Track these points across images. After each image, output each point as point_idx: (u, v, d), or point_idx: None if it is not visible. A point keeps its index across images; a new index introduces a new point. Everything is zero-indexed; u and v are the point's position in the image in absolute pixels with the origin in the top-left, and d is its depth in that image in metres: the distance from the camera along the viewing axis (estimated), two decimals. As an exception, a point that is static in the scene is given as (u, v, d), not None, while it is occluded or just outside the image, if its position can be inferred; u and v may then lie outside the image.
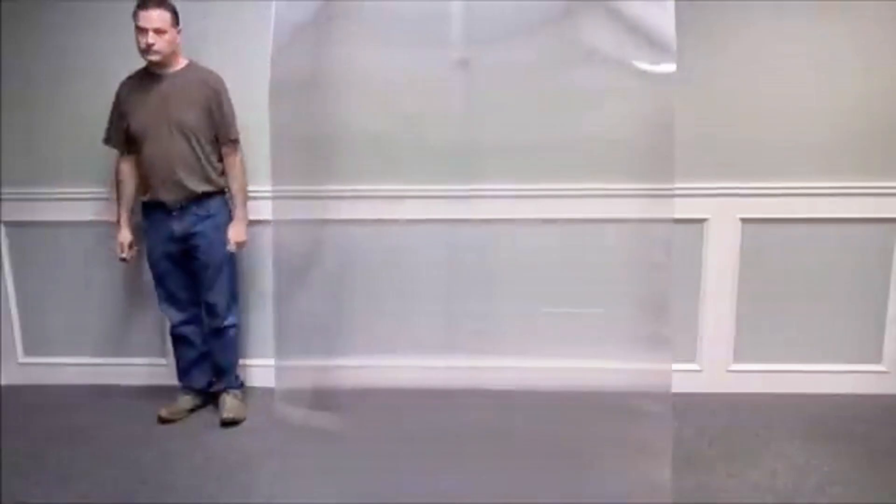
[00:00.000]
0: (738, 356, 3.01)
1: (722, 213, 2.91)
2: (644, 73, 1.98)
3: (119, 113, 2.72)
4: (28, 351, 3.26)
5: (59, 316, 3.20)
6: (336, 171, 2.83)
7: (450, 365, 2.84)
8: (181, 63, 2.71)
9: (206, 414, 2.90)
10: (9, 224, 3.14)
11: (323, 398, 2.65)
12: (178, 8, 2.65)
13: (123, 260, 2.84)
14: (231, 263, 2.84)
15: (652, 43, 1.93)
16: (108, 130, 2.76)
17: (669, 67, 1.89)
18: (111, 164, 2.89)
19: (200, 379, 2.94)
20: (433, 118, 2.72)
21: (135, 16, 2.57)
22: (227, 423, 2.78)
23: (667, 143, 2.02)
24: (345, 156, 2.82)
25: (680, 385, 2.22)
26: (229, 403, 2.85)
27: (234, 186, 2.77)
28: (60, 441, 2.67)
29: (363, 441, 2.35)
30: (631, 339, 2.24)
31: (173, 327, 2.89)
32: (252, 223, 2.88)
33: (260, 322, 3.10)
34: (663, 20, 1.85)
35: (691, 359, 3.02)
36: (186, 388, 2.93)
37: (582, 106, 2.57)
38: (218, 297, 2.80)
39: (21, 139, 3.05)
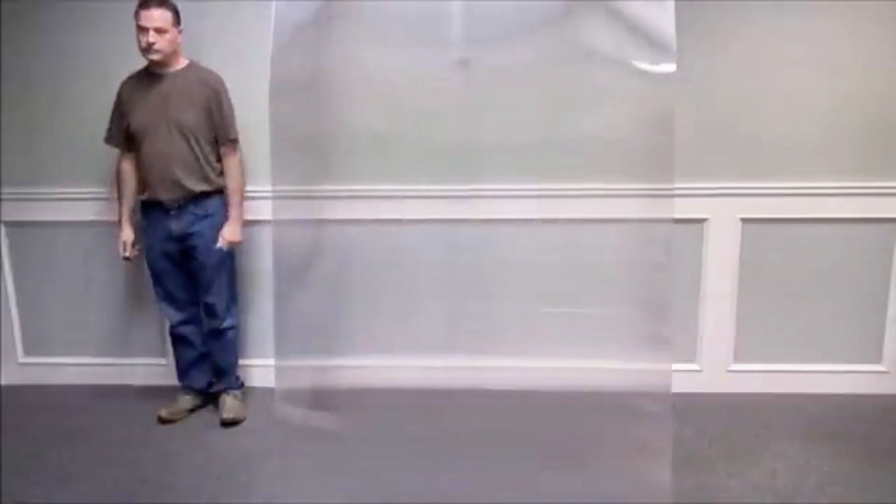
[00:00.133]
0: (738, 356, 3.01)
1: (722, 213, 2.90)
2: (644, 73, 1.98)
3: (120, 112, 2.72)
4: (28, 351, 3.26)
5: (59, 316, 3.20)
6: (336, 171, 2.83)
7: (450, 365, 2.84)
8: (182, 63, 2.71)
9: (206, 414, 2.90)
10: (9, 224, 3.14)
11: (323, 398, 2.65)
12: (179, 8, 2.65)
13: (126, 259, 2.84)
14: (230, 264, 2.84)
15: (652, 43, 1.93)
16: (110, 129, 2.76)
17: (669, 67, 1.89)
18: (111, 164, 2.89)
19: (200, 379, 2.94)
20: (433, 118, 2.73)
21: (136, 15, 2.58)
22: (227, 424, 2.78)
23: (667, 143, 2.02)
24: (345, 156, 2.82)
25: (680, 385, 2.21)
26: (229, 404, 2.85)
27: (231, 186, 2.76)
28: (60, 441, 2.67)
29: (363, 441, 2.35)
30: (631, 339, 2.23)
31: (172, 327, 2.89)
32: (252, 223, 2.88)
33: (260, 322, 3.10)
34: (663, 20, 1.85)
35: (691, 359, 3.02)
36: (186, 388, 2.93)
37: (582, 106, 2.57)
38: (216, 297, 2.80)
39: (21, 139, 3.05)
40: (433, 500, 2.06)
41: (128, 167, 2.78)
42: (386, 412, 2.69)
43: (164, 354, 3.15)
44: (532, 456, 2.24)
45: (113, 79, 2.76)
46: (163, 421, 2.81)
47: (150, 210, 2.77)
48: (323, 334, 2.86)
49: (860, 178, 2.84)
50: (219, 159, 2.76)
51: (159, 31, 2.57)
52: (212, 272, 2.77)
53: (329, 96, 2.65)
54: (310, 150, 2.63)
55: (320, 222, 2.79)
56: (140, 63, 2.69)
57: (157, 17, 2.57)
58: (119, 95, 2.72)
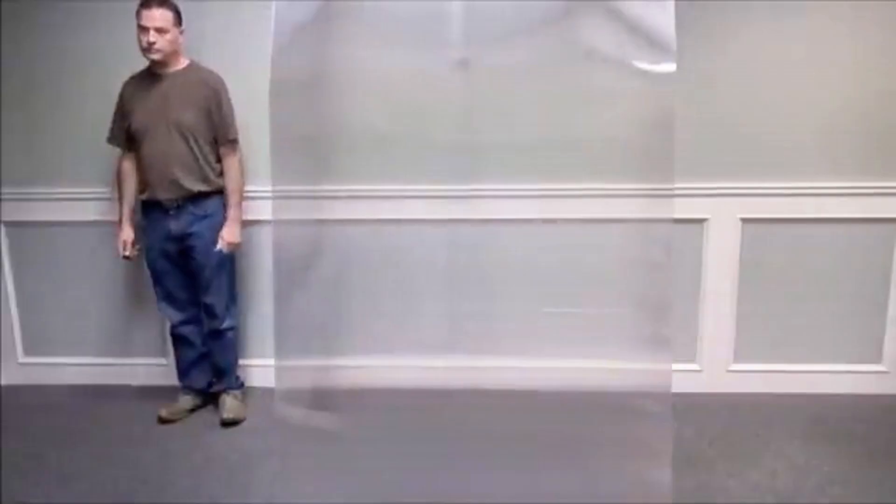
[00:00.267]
0: (738, 356, 3.01)
1: (722, 213, 2.91)
2: (644, 73, 1.98)
3: (122, 112, 2.73)
4: (28, 351, 3.26)
5: (59, 316, 3.20)
6: (336, 171, 2.83)
7: (450, 365, 2.83)
8: (182, 63, 2.71)
9: (206, 414, 2.90)
10: (9, 224, 3.14)
11: (323, 398, 2.65)
12: (180, 8, 2.65)
13: (126, 258, 2.84)
14: (230, 265, 2.84)
15: (652, 43, 1.92)
16: (112, 129, 2.77)
17: (669, 67, 1.88)
18: (111, 163, 2.89)
19: (200, 379, 2.94)
20: (433, 118, 2.73)
21: (137, 14, 2.58)
22: (227, 424, 2.78)
23: (667, 143, 2.02)
24: (345, 156, 2.82)
25: (680, 385, 2.21)
26: (229, 404, 2.85)
27: (230, 186, 2.76)
28: (60, 441, 2.67)
29: (363, 441, 2.35)
30: (631, 339, 2.23)
31: (173, 327, 2.89)
32: (252, 223, 2.88)
33: (259, 322, 3.10)
34: (663, 20, 1.85)
35: (691, 359, 3.02)
36: (186, 388, 2.93)
37: (582, 106, 2.57)
38: (215, 298, 2.80)
39: (21, 139, 3.05)
40: (433, 500, 2.06)
41: (128, 167, 2.78)
42: (386, 412, 2.69)
43: (164, 354, 3.15)
44: (532, 456, 2.23)
45: (113, 79, 2.76)
46: (163, 421, 2.81)
47: (149, 210, 2.77)
48: (323, 334, 2.86)
49: (860, 178, 2.84)
50: (218, 159, 2.76)
51: (160, 30, 2.58)
52: (211, 272, 2.77)
53: (329, 96, 2.65)
54: (310, 150, 2.63)
55: (320, 222, 2.79)
56: (140, 63, 2.69)
57: (158, 16, 2.57)
58: (121, 95, 2.73)
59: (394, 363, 2.94)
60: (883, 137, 2.81)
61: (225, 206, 2.78)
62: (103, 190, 3.02)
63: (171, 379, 2.99)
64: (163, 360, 3.16)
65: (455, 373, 2.80)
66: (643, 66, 1.99)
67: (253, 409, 2.90)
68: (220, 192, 2.77)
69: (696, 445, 2.55)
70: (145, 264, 2.86)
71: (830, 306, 2.94)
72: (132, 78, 2.73)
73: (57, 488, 2.34)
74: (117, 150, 2.80)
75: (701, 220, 2.92)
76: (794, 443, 2.56)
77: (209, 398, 2.96)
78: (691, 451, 2.50)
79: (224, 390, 2.91)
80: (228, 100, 2.73)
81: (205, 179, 2.71)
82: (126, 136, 2.73)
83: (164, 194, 2.69)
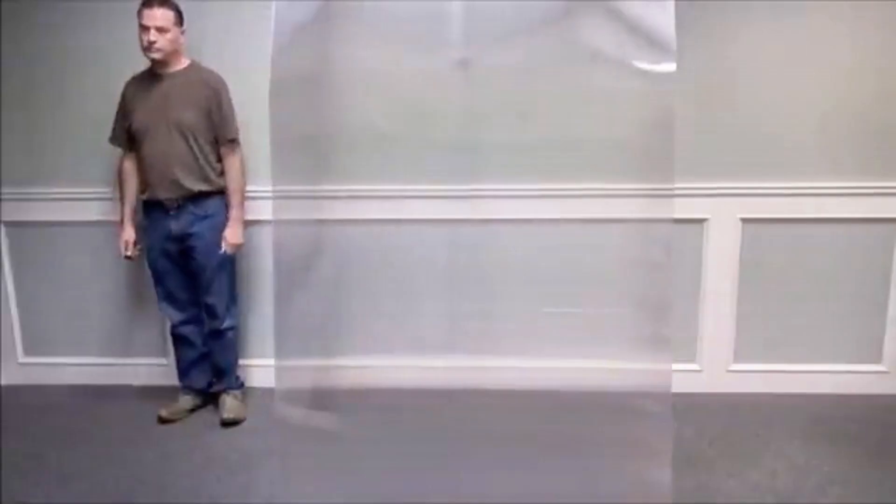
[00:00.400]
0: (738, 356, 3.01)
1: (722, 213, 2.91)
2: (644, 73, 1.98)
3: (123, 112, 2.73)
4: (28, 351, 3.26)
5: (59, 316, 3.20)
6: (336, 171, 2.83)
7: (450, 365, 2.84)
8: (183, 63, 2.71)
9: (206, 414, 2.90)
10: (9, 224, 3.14)
11: (323, 398, 2.65)
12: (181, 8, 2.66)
13: (128, 258, 2.84)
14: (230, 265, 2.84)
15: (652, 43, 1.92)
16: (114, 129, 2.78)
17: (669, 67, 1.88)
18: (111, 163, 2.89)
19: (200, 379, 2.94)
20: (433, 118, 2.73)
21: (139, 14, 2.59)
22: (227, 424, 2.78)
23: (667, 143, 2.02)
24: (345, 155, 2.82)
25: (680, 385, 2.21)
26: (229, 404, 2.85)
27: (231, 186, 2.76)
28: (60, 441, 2.67)
29: (363, 441, 2.34)
30: (631, 339, 2.23)
31: (173, 327, 2.89)
32: (252, 223, 2.88)
33: (260, 322, 3.11)
34: (663, 20, 1.85)
35: (691, 359, 3.02)
36: (187, 388, 2.93)
37: (582, 106, 2.57)
38: (216, 298, 2.80)
39: (21, 139, 3.05)
40: (433, 500, 2.06)
41: (129, 167, 2.79)
42: (386, 412, 2.69)
43: (164, 354, 3.15)
44: (532, 456, 2.23)
45: (113, 79, 2.76)
46: (163, 421, 2.81)
47: (150, 210, 2.77)
48: (323, 334, 2.86)
49: (860, 178, 2.84)
50: (219, 159, 2.76)
51: (161, 30, 2.58)
52: (212, 273, 2.77)
53: (329, 96, 2.64)
54: (310, 150, 2.63)
55: (320, 222, 2.79)
56: (141, 63, 2.69)
57: (160, 16, 2.58)
58: (122, 95, 2.73)
59: (394, 363, 2.94)
60: (883, 137, 2.81)
61: (226, 207, 2.78)
62: (103, 190, 3.02)
63: (172, 379, 2.99)
64: (163, 360, 3.16)
65: (455, 373, 2.80)
66: (643, 66, 1.99)
67: (253, 409, 2.90)
68: (221, 192, 2.77)
69: (696, 445, 2.55)
70: (146, 264, 2.86)
71: (830, 306, 2.94)
72: (133, 78, 2.74)
73: (57, 488, 2.34)
74: (117, 150, 2.81)
75: (701, 220, 2.92)
76: (794, 443, 2.56)
77: (209, 398, 2.96)
78: (691, 451, 2.50)
79: (224, 390, 2.91)
80: (229, 100, 2.73)
81: (205, 179, 2.71)
82: (127, 136, 2.74)
83: (164, 194, 2.69)
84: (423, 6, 2.54)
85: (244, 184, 2.80)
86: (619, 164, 2.61)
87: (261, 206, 2.85)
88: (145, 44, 2.60)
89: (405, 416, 2.65)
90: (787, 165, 2.85)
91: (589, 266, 2.75)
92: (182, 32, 2.68)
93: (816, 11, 2.76)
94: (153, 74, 2.69)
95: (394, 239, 2.93)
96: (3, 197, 3.10)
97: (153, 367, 3.18)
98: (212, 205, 2.75)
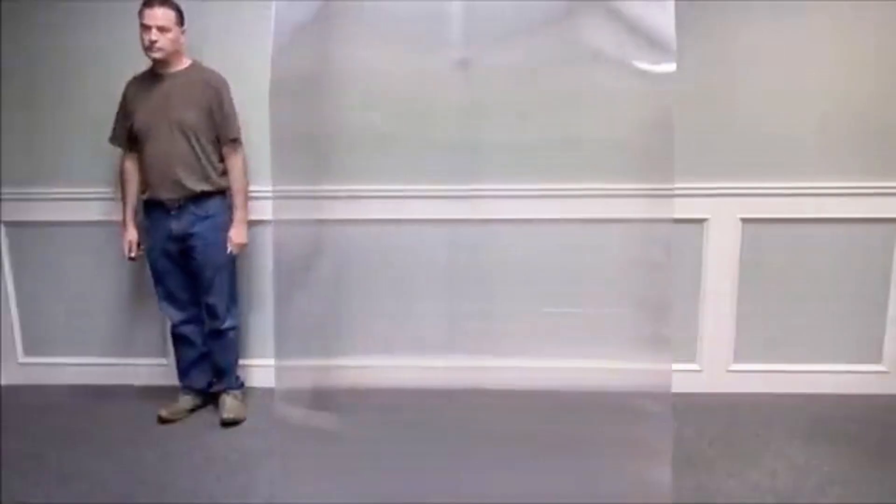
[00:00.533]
0: (738, 356, 3.01)
1: (722, 213, 2.91)
2: (644, 73, 1.98)
3: (124, 112, 2.73)
4: (28, 351, 3.26)
5: (59, 316, 3.20)
6: (336, 171, 2.83)
7: (450, 365, 2.84)
8: (184, 63, 2.71)
9: (206, 414, 2.90)
10: (9, 224, 3.14)
11: (323, 398, 2.65)
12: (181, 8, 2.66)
13: (131, 259, 2.85)
14: (231, 266, 2.84)
15: (652, 43, 1.92)
16: (114, 129, 2.77)
17: (669, 67, 1.88)
18: (111, 163, 2.90)
19: (200, 379, 2.94)
20: (433, 118, 2.73)
21: (140, 13, 2.59)
22: (227, 424, 2.78)
23: (667, 143, 2.02)
24: (345, 155, 2.82)
25: (680, 385, 2.21)
26: (229, 404, 2.85)
27: (235, 186, 2.77)
28: (60, 441, 2.67)
29: (363, 441, 2.35)
30: (631, 339, 2.23)
31: (173, 327, 2.89)
32: (252, 223, 2.88)
33: (260, 322, 3.11)
34: (663, 20, 1.85)
35: (691, 359, 3.02)
36: (187, 388, 2.93)
37: (582, 106, 2.58)
38: (217, 298, 2.80)
39: (21, 139, 3.05)
40: (433, 500, 2.06)
41: (131, 167, 2.79)
42: (386, 412, 2.69)
43: (164, 354, 3.15)
44: (532, 456, 2.23)
45: (113, 78, 2.76)
46: (163, 421, 2.81)
47: (151, 210, 2.77)
48: (323, 334, 2.86)
49: (860, 178, 2.84)
50: (221, 159, 2.76)
51: (162, 29, 2.58)
52: (212, 273, 2.77)
53: (329, 96, 2.65)
54: (310, 150, 2.63)
55: (320, 222, 2.79)
56: (141, 63, 2.69)
57: (161, 15, 2.58)
58: (123, 95, 2.73)
59: (394, 363, 2.94)
60: (883, 137, 2.81)
61: (227, 207, 2.78)
62: (103, 190, 3.02)
63: (172, 379, 2.99)
64: (163, 360, 3.16)
65: (455, 373, 2.81)
66: (643, 66, 1.99)
67: (253, 409, 2.90)
68: (222, 192, 2.77)
69: (696, 445, 2.55)
70: (146, 264, 2.86)
71: (830, 306, 2.94)
72: (135, 78, 2.74)
73: (57, 488, 2.34)
74: (117, 150, 2.81)
75: (701, 220, 2.92)
76: (794, 443, 2.56)
77: (209, 398, 2.96)
78: (691, 451, 2.50)
79: (224, 390, 2.91)
80: (231, 99, 2.73)
81: (207, 179, 2.71)
82: (128, 137, 2.74)
83: (166, 194, 2.69)
84: (423, 6, 2.55)
85: (247, 183, 2.80)
86: (619, 164, 2.61)
87: (261, 206, 2.84)
88: (147, 43, 2.60)
89: (405, 416, 2.65)
90: (787, 165, 2.85)
91: (589, 266, 2.75)
92: (183, 32, 2.68)
93: (816, 11, 2.76)
94: (154, 74, 2.69)
95: (394, 239, 2.93)
96: (3, 197, 3.10)
97: (153, 367, 3.18)
98: (213, 205, 2.75)
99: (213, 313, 2.82)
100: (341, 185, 2.86)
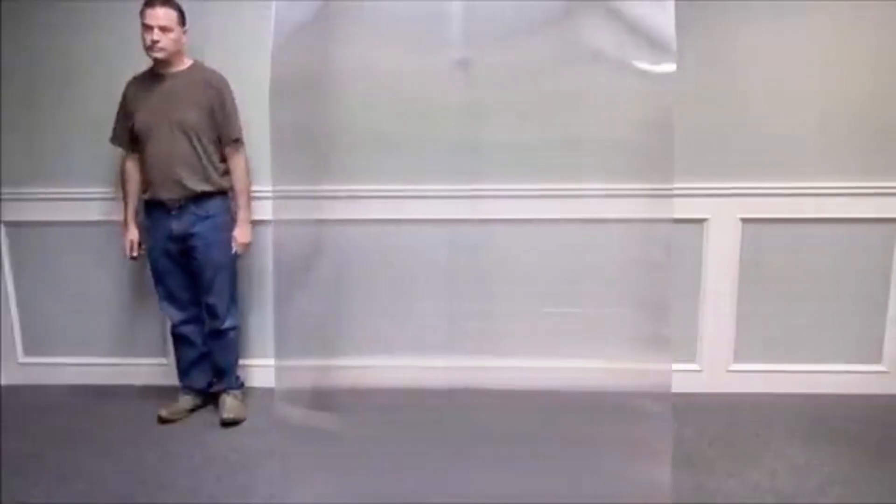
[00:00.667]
0: (738, 356, 3.01)
1: (722, 213, 2.91)
2: (644, 73, 1.98)
3: (125, 112, 2.73)
4: (28, 351, 3.26)
5: (59, 316, 3.20)
6: (336, 171, 2.83)
7: (450, 365, 2.84)
8: (186, 63, 2.71)
9: (206, 414, 2.90)
10: (9, 224, 3.14)
11: (323, 398, 2.65)
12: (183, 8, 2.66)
13: (133, 259, 2.85)
14: (231, 266, 2.84)
15: (652, 43, 1.93)
16: (115, 129, 2.77)
17: (669, 67, 1.88)
18: (112, 163, 2.90)
19: (200, 379, 2.94)
20: (433, 118, 2.73)
21: (142, 13, 2.59)
22: (228, 424, 2.78)
23: (667, 143, 2.02)
24: (345, 155, 2.82)
25: (680, 385, 2.21)
26: (229, 404, 2.85)
27: (238, 186, 2.77)
28: (60, 441, 2.67)
29: (363, 441, 2.35)
30: (631, 339, 2.23)
31: (174, 327, 2.89)
32: (252, 223, 2.88)
33: (260, 322, 3.11)
34: (663, 20, 1.85)
35: (691, 359, 3.02)
36: (187, 388, 2.93)
37: (582, 106, 2.58)
38: (217, 298, 2.80)
39: (22, 139, 3.05)
40: (433, 500, 2.06)
41: (132, 167, 2.79)
42: (386, 412, 2.69)
43: (164, 354, 3.15)
44: (532, 456, 2.23)
45: (114, 78, 2.76)
46: (163, 421, 2.81)
47: (152, 210, 2.77)
48: (323, 334, 2.86)
49: (860, 178, 2.84)
50: (222, 159, 2.76)
51: (164, 29, 2.58)
52: (213, 273, 2.77)
53: (329, 96, 2.65)
54: (310, 150, 2.63)
55: (320, 222, 2.80)
56: (142, 63, 2.69)
57: (162, 15, 2.58)
58: (124, 95, 2.73)
59: (394, 363, 2.94)
60: (883, 137, 2.81)
61: (228, 207, 2.78)
62: (104, 190, 3.02)
63: (172, 379, 2.99)
64: (163, 360, 3.16)
65: (455, 373, 2.81)
66: (643, 66, 1.99)
67: (253, 409, 2.90)
68: (223, 192, 2.77)
69: (696, 445, 2.55)
70: (147, 264, 2.86)
71: (830, 306, 2.94)
72: (135, 78, 2.74)
73: (57, 488, 2.34)
74: (117, 150, 2.81)
75: (701, 220, 2.92)
76: (794, 443, 2.56)
77: (209, 398, 2.96)
78: (691, 451, 2.50)
79: (224, 390, 2.91)
80: (232, 99, 2.73)
81: (208, 179, 2.71)
82: (129, 137, 2.74)
83: (166, 194, 2.69)
84: (423, 6, 2.55)
85: (250, 183, 2.80)
86: (619, 164, 2.61)
87: (261, 205, 2.84)
88: (148, 43, 2.59)
89: (405, 416, 2.65)
90: (787, 165, 2.85)
91: (589, 266, 2.75)
92: (184, 32, 2.68)
93: (816, 11, 2.76)
94: (155, 74, 2.69)
95: (394, 239, 2.93)
96: (3, 197, 3.10)
97: (153, 367, 3.18)
98: (213, 205, 2.75)
99: (213, 313, 2.82)
100: (341, 185, 2.86)
